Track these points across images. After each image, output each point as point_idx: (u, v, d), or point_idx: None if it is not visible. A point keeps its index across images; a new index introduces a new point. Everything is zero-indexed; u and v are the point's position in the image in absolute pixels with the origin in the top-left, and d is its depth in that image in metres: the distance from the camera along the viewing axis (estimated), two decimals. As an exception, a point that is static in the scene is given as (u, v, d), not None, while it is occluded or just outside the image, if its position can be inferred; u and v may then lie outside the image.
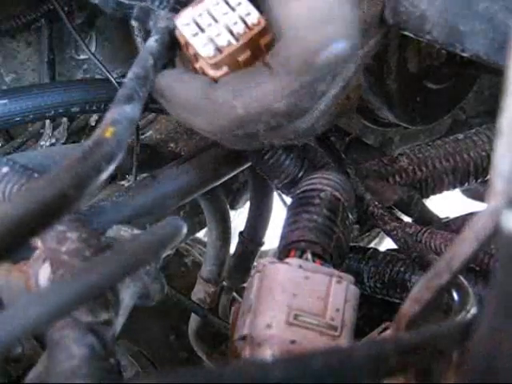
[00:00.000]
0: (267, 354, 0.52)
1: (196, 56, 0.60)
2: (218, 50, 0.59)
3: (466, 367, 0.32)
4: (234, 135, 0.61)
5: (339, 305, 0.54)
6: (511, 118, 0.31)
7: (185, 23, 0.60)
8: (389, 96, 0.84)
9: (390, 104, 0.85)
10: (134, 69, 0.57)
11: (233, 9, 0.60)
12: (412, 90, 0.86)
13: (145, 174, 0.81)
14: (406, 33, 0.62)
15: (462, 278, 0.48)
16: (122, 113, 0.49)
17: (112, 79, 0.76)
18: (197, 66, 0.61)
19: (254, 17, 0.59)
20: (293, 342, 0.52)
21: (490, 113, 1.15)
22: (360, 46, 0.60)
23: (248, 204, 0.98)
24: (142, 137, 0.91)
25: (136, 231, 0.55)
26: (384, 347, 0.33)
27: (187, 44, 0.60)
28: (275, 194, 0.98)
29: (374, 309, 0.72)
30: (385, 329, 0.54)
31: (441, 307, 0.55)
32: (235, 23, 0.59)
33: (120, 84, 0.73)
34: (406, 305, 0.43)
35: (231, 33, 0.59)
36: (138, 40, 0.73)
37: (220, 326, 1.01)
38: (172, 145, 0.92)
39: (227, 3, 0.60)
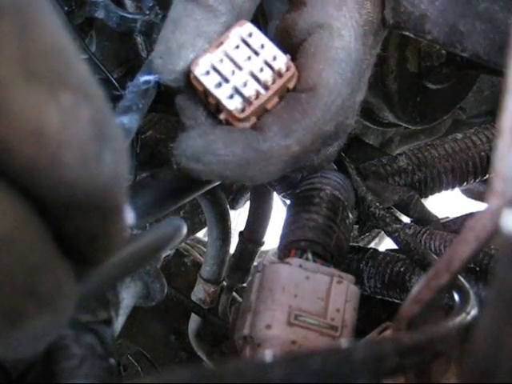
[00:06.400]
0: (267, 354, 0.52)
1: (219, 107, 0.54)
2: (247, 101, 0.53)
3: (466, 367, 0.32)
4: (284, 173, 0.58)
5: (340, 305, 0.54)
6: (511, 117, 0.31)
7: (204, 72, 0.53)
8: (389, 96, 0.84)
9: (390, 104, 0.85)
10: (135, 81, 0.58)
11: (256, 52, 0.54)
12: (412, 90, 0.86)
13: (145, 174, 0.81)
14: (405, 33, 0.62)
15: (462, 278, 0.48)
16: (118, 123, 0.49)
17: (112, 79, 0.76)
18: (221, 117, 0.55)
19: (281, 61, 0.54)
20: (293, 342, 0.52)
21: (490, 113, 1.15)
22: (373, 45, 0.60)
23: (248, 204, 0.98)
24: (142, 137, 0.91)
25: (136, 231, 0.55)
26: (384, 347, 0.33)
27: (207, 93, 0.54)
28: (275, 194, 0.98)
29: (373, 309, 0.72)
30: (385, 329, 0.54)
31: (441, 307, 0.55)
32: (261, 70, 0.53)
33: (119, 83, 0.73)
34: (405, 305, 0.43)
35: (258, 81, 0.53)
36: (142, 53, 0.73)
37: (220, 326, 1.01)
38: (172, 145, 0.92)
39: (248, 46, 0.54)
